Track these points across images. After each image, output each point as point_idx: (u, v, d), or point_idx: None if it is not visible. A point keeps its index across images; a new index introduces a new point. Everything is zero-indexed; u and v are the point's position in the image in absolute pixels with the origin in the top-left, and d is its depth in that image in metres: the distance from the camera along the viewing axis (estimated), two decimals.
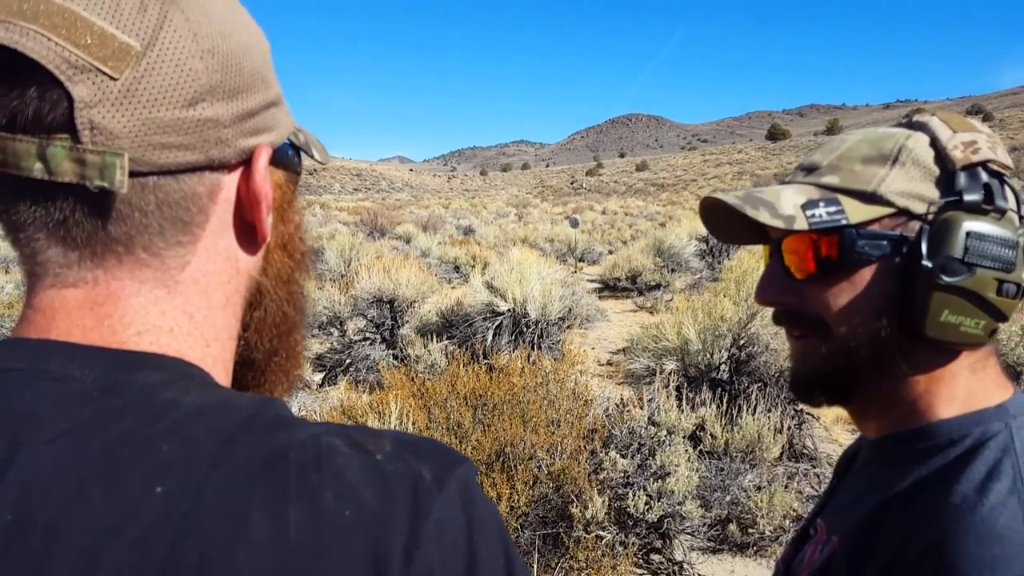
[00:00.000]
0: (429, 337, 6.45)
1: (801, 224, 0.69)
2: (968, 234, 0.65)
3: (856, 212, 0.69)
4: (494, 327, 6.59)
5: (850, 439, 4.81)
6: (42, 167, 0.42)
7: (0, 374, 0.44)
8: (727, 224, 0.80)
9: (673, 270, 11.85)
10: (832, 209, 0.69)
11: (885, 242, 0.69)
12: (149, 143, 0.45)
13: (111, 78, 0.43)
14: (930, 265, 0.66)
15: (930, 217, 0.68)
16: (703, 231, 13.51)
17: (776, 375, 4.78)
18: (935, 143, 0.70)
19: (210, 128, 0.47)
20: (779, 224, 0.70)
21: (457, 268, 12.44)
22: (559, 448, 3.41)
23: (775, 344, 4.95)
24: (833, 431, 4.89)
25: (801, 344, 0.77)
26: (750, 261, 5.80)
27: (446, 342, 6.44)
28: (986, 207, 0.66)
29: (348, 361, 6.61)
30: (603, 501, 3.16)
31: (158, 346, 0.48)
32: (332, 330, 6.97)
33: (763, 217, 0.70)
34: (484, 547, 0.45)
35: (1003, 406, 0.68)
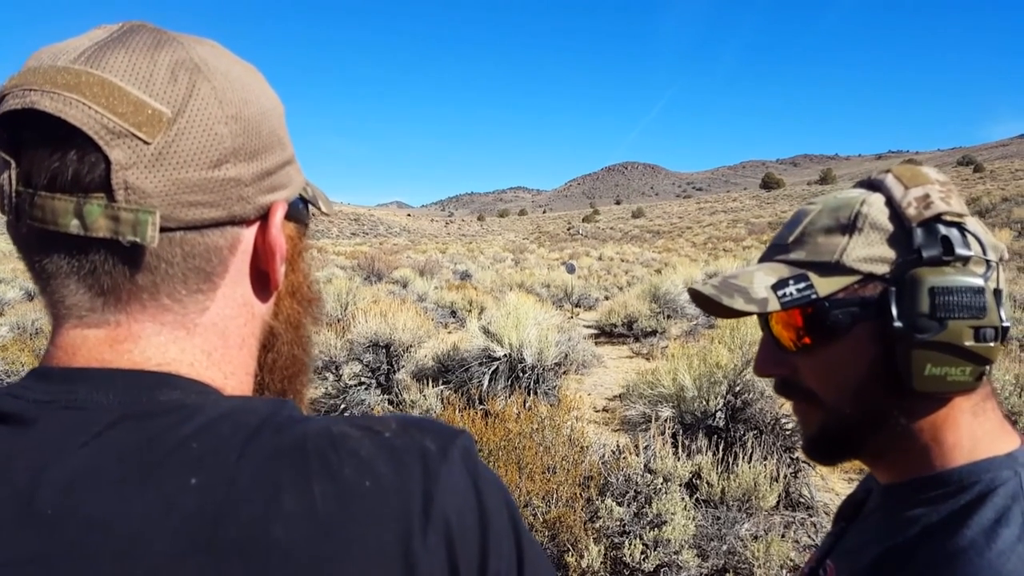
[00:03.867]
0: (425, 382, 6.42)
1: (774, 305, 0.72)
2: (932, 289, 0.67)
3: (824, 285, 0.72)
4: (490, 372, 6.58)
5: (846, 488, 4.78)
6: (78, 223, 0.46)
7: (32, 404, 0.47)
8: (717, 306, 0.81)
9: (669, 316, 11.87)
10: (801, 285, 0.72)
11: (856, 308, 0.71)
12: (178, 201, 0.49)
13: (145, 142, 0.47)
14: (901, 325, 0.68)
15: (894, 278, 0.70)
16: (699, 277, 13.59)
17: (772, 423, 4.77)
18: (890, 202, 0.71)
19: (233, 187, 0.52)
20: (753, 308, 0.73)
21: (454, 312, 12.45)
22: (555, 495, 3.39)
23: (770, 392, 4.95)
24: (829, 480, 4.86)
25: (799, 411, 0.80)
26: None
27: (442, 387, 6.42)
28: (947, 258, 0.67)
29: (343, 406, 6.57)
30: (599, 550, 3.13)
31: (178, 373, 0.52)
32: (327, 375, 6.94)
33: (738, 304, 0.74)
34: (491, 502, 0.50)
35: (1013, 455, 0.69)
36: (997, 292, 0.68)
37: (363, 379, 6.94)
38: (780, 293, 0.73)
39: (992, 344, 0.67)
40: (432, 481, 0.47)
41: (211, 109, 0.50)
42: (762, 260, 0.80)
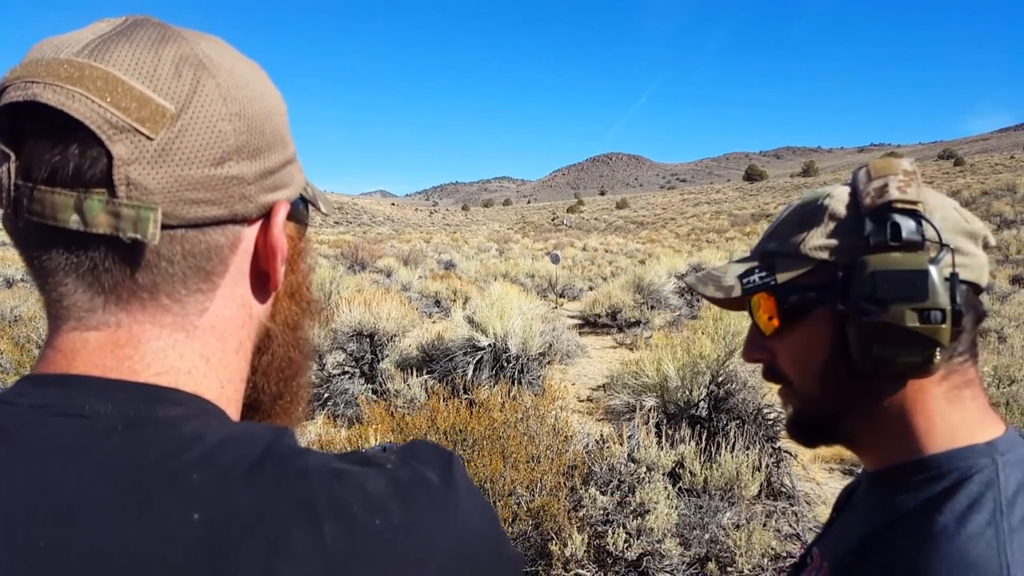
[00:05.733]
0: (409, 371, 6.41)
1: (736, 291, 0.79)
2: (873, 273, 0.69)
3: (784, 273, 0.76)
4: (475, 362, 6.57)
5: (827, 477, 4.84)
6: (78, 219, 0.45)
7: (27, 410, 0.46)
8: (700, 294, 0.86)
9: (653, 307, 11.92)
10: (763, 273, 0.78)
11: (812, 293, 0.75)
12: (180, 198, 0.48)
13: (148, 138, 0.46)
14: (844, 308, 0.71)
15: (843, 264, 0.72)
16: (682, 268, 13.66)
17: (754, 412, 4.81)
18: (854, 193, 0.75)
19: (235, 185, 0.51)
20: (720, 295, 0.81)
21: (438, 302, 12.42)
22: (539, 484, 3.40)
23: (753, 381, 4.99)
24: (811, 469, 4.92)
25: (782, 395, 0.85)
26: None
27: (426, 376, 6.41)
28: (893, 244, 0.69)
29: (327, 395, 6.54)
30: (583, 539, 3.14)
31: (176, 385, 0.50)
32: (310, 364, 6.90)
33: (709, 292, 0.82)
34: (491, 528, 0.52)
35: (993, 443, 0.70)
36: (952, 276, 0.69)
37: (347, 368, 6.91)
38: (744, 281, 0.79)
39: (940, 326, 0.68)
40: (440, 517, 0.47)
41: (215, 106, 0.49)
42: (747, 254, 0.85)
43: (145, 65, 0.47)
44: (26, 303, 9.06)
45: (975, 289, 0.72)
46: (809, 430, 0.82)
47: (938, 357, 0.69)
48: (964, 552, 0.60)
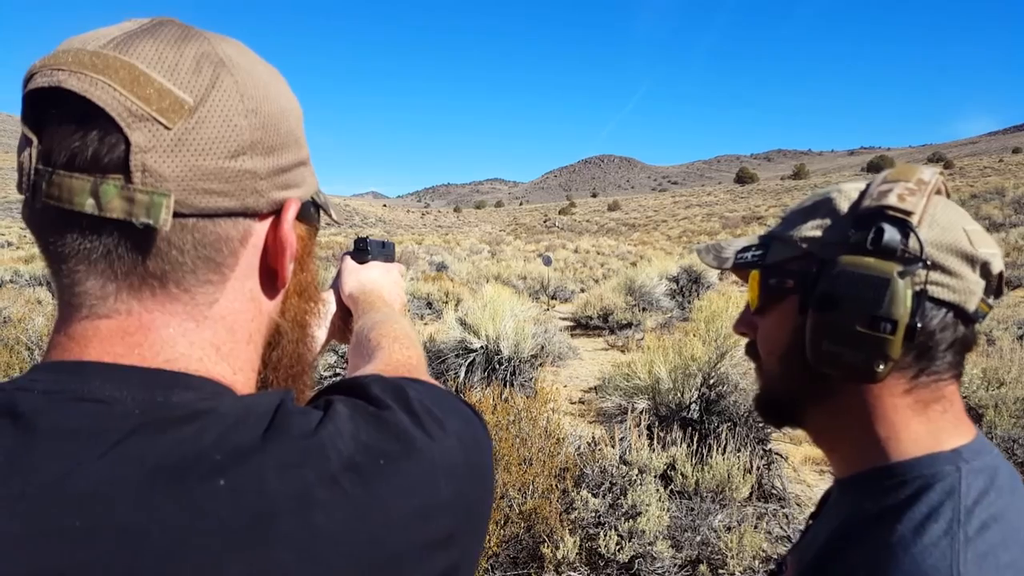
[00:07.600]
0: None
1: (728, 264, 0.82)
2: (839, 272, 0.70)
3: (774, 254, 0.78)
4: (467, 364, 6.57)
5: (818, 479, 4.86)
6: (93, 203, 0.47)
7: (41, 396, 0.47)
8: (708, 264, 0.89)
9: (644, 309, 11.94)
10: (758, 252, 0.80)
11: (789, 279, 0.77)
12: (193, 188, 0.49)
13: (165, 128, 0.48)
14: (807, 297, 0.73)
15: (822, 257, 0.73)
16: (674, 271, 13.69)
17: (745, 415, 4.83)
18: (862, 193, 0.75)
19: (248, 179, 0.53)
20: (715, 265, 0.84)
21: (430, 304, 12.40)
22: (531, 487, 3.40)
23: (744, 384, 5.01)
24: (801, 472, 4.93)
25: (756, 372, 0.87)
26: (719, 301, 5.89)
27: None
28: (869, 248, 0.69)
29: None
30: (574, 541, 3.15)
31: (188, 371, 0.52)
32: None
33: (707, 260, 0.86)
34: (464, 432, 0.59)
35: (958, 450, 0.69)
36: (921, 292, 0.67)
37: (339, 370, 6.89)
38: (739, 256, 0.82)
39: (888, 337, 0.67)
40: (430, 440, 0.52)
41: (232, 101, 0.51)
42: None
43: (167, 60, 0.49)
44: (15, 304, 8.98)
45: (959, 313, 0.70)
46: (767, 409, 0.84)
47: (882, 367, 0.68)
48: (918, 563, 0.60)
